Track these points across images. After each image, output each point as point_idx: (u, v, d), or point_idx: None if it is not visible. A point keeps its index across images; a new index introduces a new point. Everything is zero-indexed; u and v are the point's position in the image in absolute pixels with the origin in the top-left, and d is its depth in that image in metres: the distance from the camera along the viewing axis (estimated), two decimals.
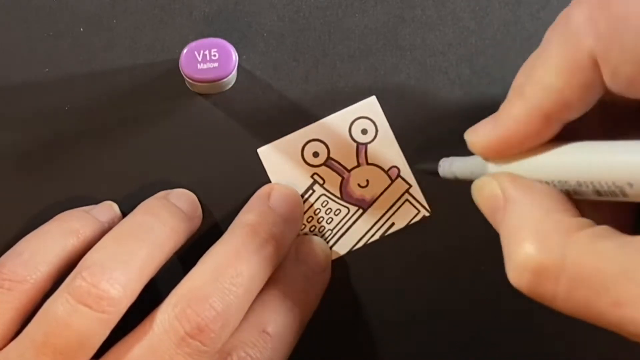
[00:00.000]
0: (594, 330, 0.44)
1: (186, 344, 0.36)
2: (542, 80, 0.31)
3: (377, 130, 0.43)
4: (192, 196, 0.42)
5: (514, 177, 0.33)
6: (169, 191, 0.42)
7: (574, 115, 0.32)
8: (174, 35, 0.43)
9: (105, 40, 0.43)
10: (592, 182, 0.31)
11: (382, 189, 0.43)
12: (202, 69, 0.40)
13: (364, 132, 0.43)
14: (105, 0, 0.43)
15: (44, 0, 0.43)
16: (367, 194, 0.43)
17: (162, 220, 0.39)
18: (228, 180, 0.43)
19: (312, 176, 0.43)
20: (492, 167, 0.35)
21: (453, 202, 0.43)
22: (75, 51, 0.43)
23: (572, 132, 0.32)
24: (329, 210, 0.43)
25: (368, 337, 0.44)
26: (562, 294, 0.29)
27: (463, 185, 0.43)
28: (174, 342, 0.36)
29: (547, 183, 0.33)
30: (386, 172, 0.43)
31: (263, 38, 0.43)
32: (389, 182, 0.43)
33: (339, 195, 0.43)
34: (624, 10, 0.29)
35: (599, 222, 0.31)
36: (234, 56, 0.40)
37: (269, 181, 0.43)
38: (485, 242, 0.43)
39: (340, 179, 0.43)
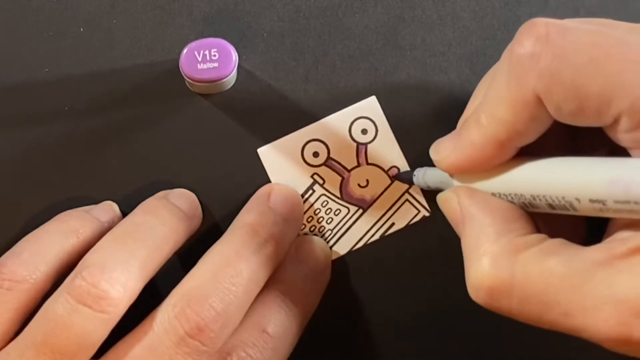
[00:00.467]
0: None
1: (186, 344, 0.35)
2: (495, 113, 0.33)
3: (377, 130, 0.43)
4: (191, 196, 0.42)
5: (472, 192, 0.36)
6: (168, 191, 0.42)
7: (527, 141, 0.33)
8: (174, 35, 0.43)
9: (105, 40, 0.43)
10: (544, 196, 0.32)
11: (382, 189, 0.43)
12: (202, 69, 0.40)
13: (364, 132, 0.43)
14: (105, 0, 0.43)
15: (44, 0, 0.43)
16: (367, 194, 0.43)
17: (162, 220, 0.39)
18: (228, 180, 0.43)
19: (312, 176, 0.43)
20: (456, 181, 0.38)
21: None
22: (75, 51, 0.42)
23: (536, 145, 0.34)
24: (329, 210, 0.43)
25: (368, 337, 0.44)
26: (515, 309, 0.32)
27: None
28: (173, 341, 0.36)
29: (506, 195, 0.35)
30: (386, 172, 0.43)
31: (263, 38, 0.43)
32: (389, 182, 0.43)
33: (339, 195, 0.43)
34: (562, 45, 0.30)
35: (558, 232, 0.33)
36: (234, 56, 0.40)
37: (269, 181, 0.43)
38: None
39: (340, 179, 0.43)
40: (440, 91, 0.43)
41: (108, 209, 0.42)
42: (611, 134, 0.32)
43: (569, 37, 0.31)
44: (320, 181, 0.43)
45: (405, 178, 0.43)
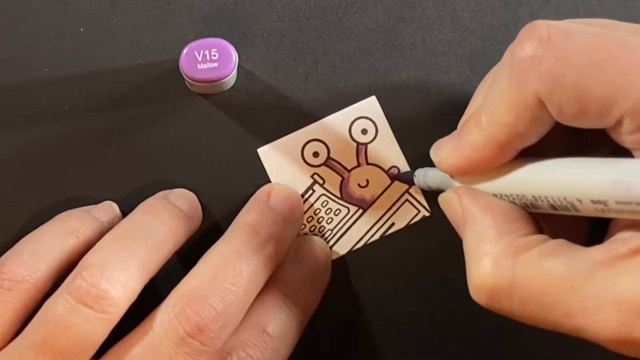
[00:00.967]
0: None
1: (186, 344, 0.35)
2: (496, 115, 0.33)
3: (377, 130, 0.43)
4: (192, 196, 0.42)
5: (473, 193, 0.36)
6: (168, 191, 0.42)
7: (528, 143, 0.33)
8: (174, 35, 0.43)
9: (105, 40, 0.42)
10: (546, 197, 0.32)
11: (382, 189, 0.43)
12: (202, 69, 0.39)
13: (364, 132, 0.43)
14: (105, 0, 0.42)
15: (43, 0, 0.42)
16: (367, 194, 0.43)
17: (162, 220, 0.39)
18: (228, 180, 0.42)
19: (312, 176, 0.43)
20: (457, 182, 0.37)
21: None
22: (75, 51, 0.42)
23: (538, 146, 0.34)
24: (329, 210, 0.43)
25: (368, 337, 0.43)
26: (516, 309, 0.32)
27: None
28: (173, 342, 0.35)
29: (507, 196, 0.34)
30: (386, 172, 0.43)
31: (263, 38, 0.43)
32: (389, 182, 0.43)
33: (339, 195, 0.43)
34: (565, 47, 0.30)
35: (560, 233, 0.33)
36: (234, 56, 0.39)
37: (269, 181, 0.42)
38: None
39: (340, 179, 0.43)
40: (440, 91, 0.43)
41: (108, 209, 0.41)
42: (614, 136, 0.31)
43: (570, 39, 0.30)
44: (320, 181, 0.43)
45: (406, 178, 0.42)
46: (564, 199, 0.32)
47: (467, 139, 0.35)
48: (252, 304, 0.38)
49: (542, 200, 0.33)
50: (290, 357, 0.41)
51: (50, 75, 0.42)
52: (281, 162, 0.42)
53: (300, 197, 0.42)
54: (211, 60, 0.39)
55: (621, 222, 0.32)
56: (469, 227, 0.35)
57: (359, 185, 0.43)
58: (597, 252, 0.30)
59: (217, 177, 0.42)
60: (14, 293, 0.36)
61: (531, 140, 0.33)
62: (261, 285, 0.38)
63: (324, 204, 0.43)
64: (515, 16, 0.43)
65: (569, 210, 0.32)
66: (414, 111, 0.43)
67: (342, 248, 0.43)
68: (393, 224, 0.43)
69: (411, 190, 0.43)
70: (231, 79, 0.41)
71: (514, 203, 0.35)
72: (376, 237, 0.43)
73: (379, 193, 0.43)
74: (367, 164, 0.43)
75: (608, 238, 0.32)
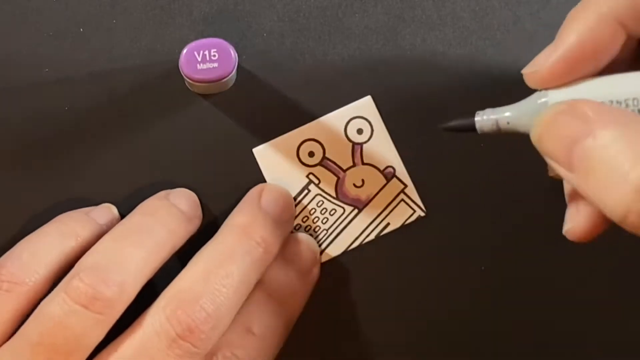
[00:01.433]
0: (598, 328, 0.43)
1: (177, 346, 0.35)
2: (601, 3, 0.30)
3: (372, 130, 0.42)
4: (192, 196, 0.42)
5: (595, 103, 0.29)
6: (169, 191, 0.41)
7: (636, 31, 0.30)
8: (174, 35, 0.42)
9: (105, 41, 0.42)
10: None
11: (378, 189, 0.42)
12: (201, 69, 0.39)
13: (360, 131, 0.42)
14: (105, 0, 0.42)
15: (43, 0, 0.42)
16: (363, 193, 0.43)
17: (162, 221, 0.39)
18: (223, 180, 0.42)
19: (307, 176, 0.42)
20: (555, 96, 0.32)
21: (449, 202, 0.43)
22: (75, 51, 0.42)
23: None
24: (324, 210, 0.42)
25: (362, 338, 0.43)
26: None
27: (459, 185, 0.42)
28: (165, 343, 0.35)
29: (620, 102, 0.30)
30: (382, 172, 0.42)
31: (263, 38, 0.43)
32: (385, 182, 0.42)
33: (334, 195, 0.42)
34: None
35: None
36: (234, 56, 0.39)
37: (264, 181, 0.42)
38: (482, 242, 0.42)
39: (335, 178, 0.42)
40: (440, 91, 0.43)
41: (107, 211, 0.41)
42: None
43: None
44: (316, 181, 0.42)
45: (460, 126, 0.36)
46: None
47: (572, 26, 0.32)
48: None
49: None
50: (288, 357, 0.41)
51: (50, 75, 0.42)
52: (276, 161, 0.42)
53: (292, 197, 0.42)
54: (211, 60, 0.39)
55: None
56: (605, 136, 0.28)
57: (354, 185, 0.42)
58: None
59: (212, 177, 0.42)
60: (13, 295, 0.36)
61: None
62: (252, 286, 0.38)
63: (319, 204, 0.42)
64: (515, 16, 0.43)
65: None
66: (414, 111, 0.43)
67: (337, 248, 0.43)
68: (388, 224, 0.43)
69: (406, 190, 0.42)
70: (231, 79, 0.41)
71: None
72: (371, 237, 0.43)
73: (375, 193, 0.43)
74: (363, 163, 0.42)
75: None
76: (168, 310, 0.36)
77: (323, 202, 0.42)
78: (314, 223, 0.42)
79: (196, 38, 0.41)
